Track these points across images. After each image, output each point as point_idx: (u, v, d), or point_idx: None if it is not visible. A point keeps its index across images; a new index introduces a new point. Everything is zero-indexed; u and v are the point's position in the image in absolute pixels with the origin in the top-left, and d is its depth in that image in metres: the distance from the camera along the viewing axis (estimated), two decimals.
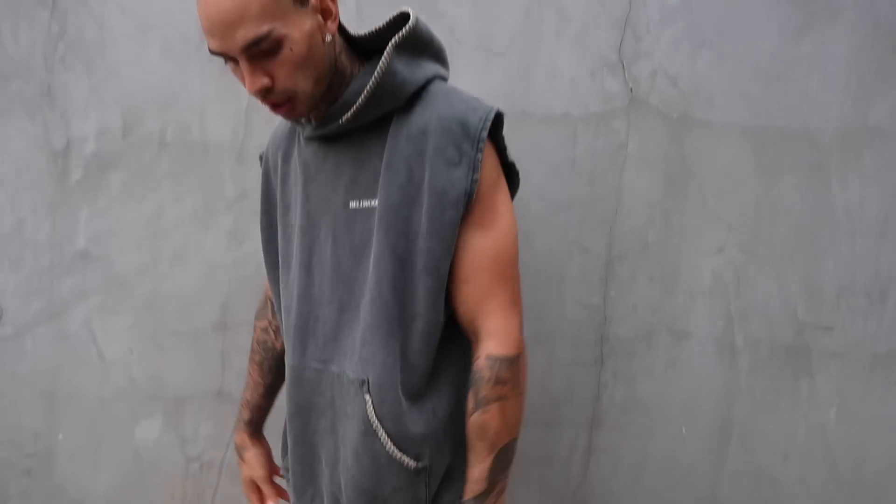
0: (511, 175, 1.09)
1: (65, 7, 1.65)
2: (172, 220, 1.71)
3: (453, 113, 0.98)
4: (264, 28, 0.87)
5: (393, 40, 0.98)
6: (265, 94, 0.94)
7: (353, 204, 1.03)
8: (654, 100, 1.61)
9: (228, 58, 0.92)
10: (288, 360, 1.13)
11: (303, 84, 0.94)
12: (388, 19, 1.04)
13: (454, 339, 1.08)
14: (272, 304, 1.33)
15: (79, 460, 1.77)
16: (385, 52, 0.97)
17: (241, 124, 1.69)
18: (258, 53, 0.89)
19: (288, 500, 1.28)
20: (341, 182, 1.04)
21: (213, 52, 0.91)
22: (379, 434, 1.01)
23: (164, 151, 1.69)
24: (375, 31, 1.06)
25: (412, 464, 1.02)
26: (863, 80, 1.59)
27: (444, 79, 1.09)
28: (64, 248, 1.72)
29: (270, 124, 1.67)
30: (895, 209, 1.61)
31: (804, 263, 1.60)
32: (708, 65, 1.60)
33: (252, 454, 1.34)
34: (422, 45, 1.04)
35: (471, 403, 1.02)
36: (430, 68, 1.04)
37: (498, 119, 1.02)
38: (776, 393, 1.62)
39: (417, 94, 1.02)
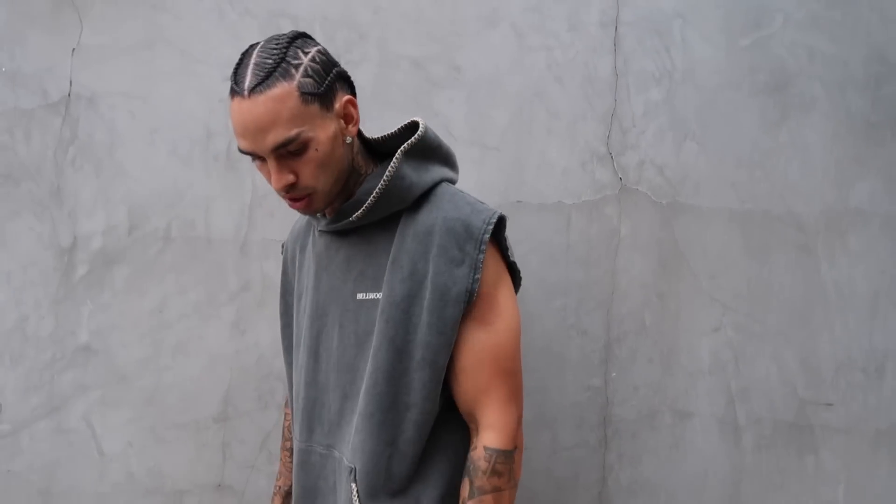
0: (513, 273, 1.13)
1: (77, 114, 1.73)
2: (175, 313, 1.73)
3: (458, 215, 1.04)
4: (293, 132, 0.94)
5: (402, 147, 1.06)
6: (288, 190, 1.00)
7: (360, 295, 1.08)
8: (643, 188, 1.68)
9: (256, 156, 0.99)
10: (296, 444, 1.16)
11: (323, 182, 1.01)
12: (400, 126, 1.12)
13: (448, 425, 1.10)
14: None
15: None
16: (394, 158, 1.05)
17: (244, 218, 1.74)
18: (285, 154, 0.97)
19: None
20: (351, 274, 1.10)
21: (242, 152, 0.98)
22: None
23: (168, 246, 1.73)
24: (389, 135, 1.13)
25: None
26: (841, 165, 1.68)
27: (452, 181, 1.15)
28: (66, 342, 1.73)
29: (273, 217, 1.73)
30: (884, 287, 1.66)
31: (800, 340, 1.63)
32: (692, 154, 1.68)
33: None
34: (429, 151, 1.11)
35: (465, 491, 1.03)
36: (437, 172, 1.11)
37: (500, 222, 1.07)
38: (782, 471, 1.62)
39: (425, 196, 1.08)
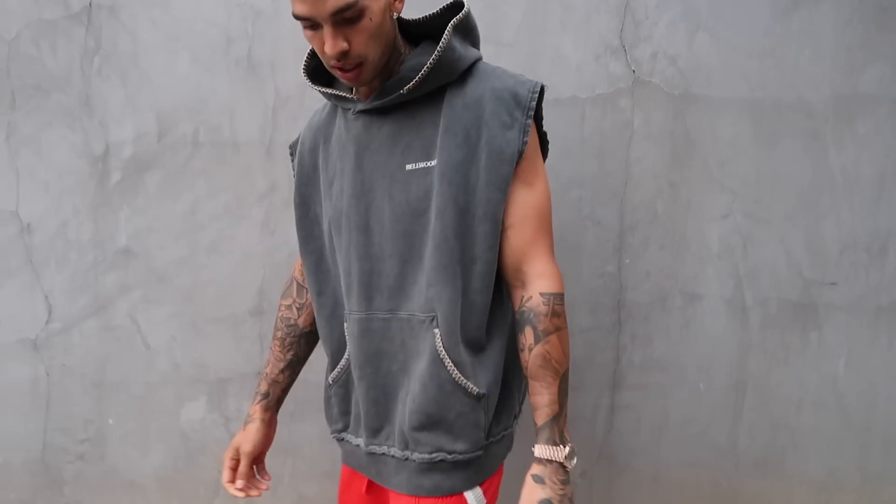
0: (543, 143, 1.22)
1: (99, 23, 1.77)
2: (207, 215, 1.81)
3: (505, 85, 1.12)
4: None
5: (453, 21, 1.11)
6: (340, 57, 1.05)
7: (409, 166, 1.14)
8: (657, 79, 1.71)
9: (311, 23, 1.03)
10: (353, 316, 1.22)
11: (373, 51, 1.07)
12: (442, 7, 1.17)
13: (500, 291, 1.20)
14: (297, 284, 1.43)
15: (129, 443, 1.87)
16: (446, 30, 1.10)
17: (268, 122, 1.79)
18: (341, 20, 1.01)
19: (258, 493, 1.37)
20: (398, 148, 1.15)
21: (298, 17, 1.02)
22: (446, 363, 1.13)
23: (197, 151, 1.80)
24: (429, 16, 1.18)
25: (475, 390, 1.13)
26: (850, 52, 1.70)
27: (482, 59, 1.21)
28: (106, 246, 1.83)
29: (296, 122, 1.78)
30: (890, 170, 1.71)
31: (806, 224, 1.70)
32: (704, 45, 1.70)
33: (254, 427, 1.39)
34: (469, 31, 1.17)
35: (529, 338, 1.11)
36: (475, 51, 1.18)
37: (542, 91, 1.15)
38: (787, 347, 1.72)
39: (468, 70, 1.15)
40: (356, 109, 1.19)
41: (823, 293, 1.71)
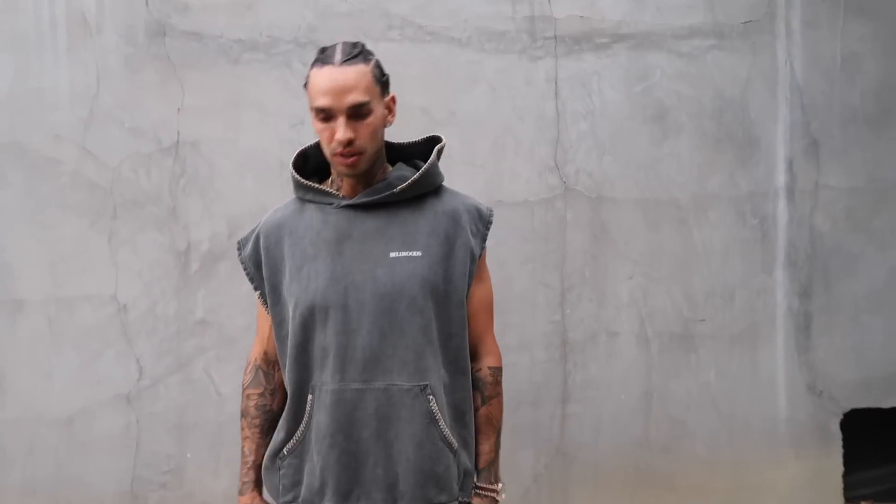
0: None
1: (184, 154, 2.42)
2: None
3: (473, 204, 1.42)
4: (366, 98, 1.24)
5: (438, 146, 1.39)
6: (347, 145, 1.24)
7: (393, 254, 1.31)
8: (580, 187, 2.55)
9: (327, 115, 1.24)
10: (325, 387, 1.31)
11: (371, 146, 1.28)
12: (422, 137, 1.45)
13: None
14: (262, 371, 1.47)
15: (203, 471, 2.42)
16: (435, 150, 1.38)
17: None
18: (353, 115, 1.23)
19: None
20: (382, 239, 1.32)
21: (319, 108, 1.24)
22: (440, 423, 1.31)
23: None
24: (410, 143, 1.45)
25: (455, 443, 1.34)
26: (700, 167, 2.60)
27: None
28: (187, 319, 2.43)
29: None
30: (732, 244, 2.59)
31: (682, 281, 2.55)
32: (609, 164, 2.56)
33: None
34: (439, 158, 1.41)
35: (478, 401, 1.41)
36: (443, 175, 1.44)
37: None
38: (677, 365, 2.54)
39: (440, 187, 1.40)
40: (340, 204, 1.34)
41: (697, 327, 2.55)
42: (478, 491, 1.38)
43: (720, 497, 2.55)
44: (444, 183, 1.42)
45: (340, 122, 1.23)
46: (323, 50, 1.29)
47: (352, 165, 1.28)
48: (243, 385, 1.49)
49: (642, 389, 2.54)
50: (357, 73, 1.23)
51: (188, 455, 2.43)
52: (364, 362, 1.29)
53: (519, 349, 2.45)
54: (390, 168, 1.39)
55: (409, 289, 1.30)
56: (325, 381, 1.32)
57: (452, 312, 1.35)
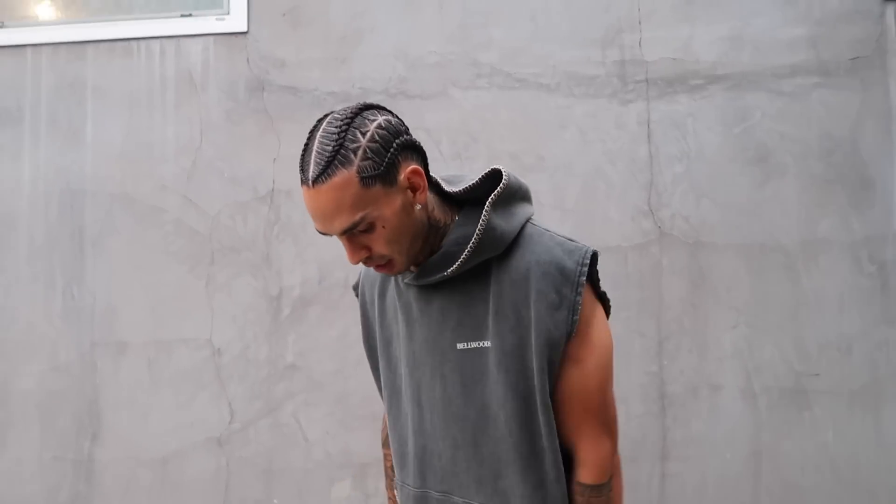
0: (604, 301, 1.15)
1: (279, 202, 2.50)
2: (355, 338, 2.46)
3: (551, 258, 1.06)
4: (357, 216, 0.97)
5: (490, 199, 1.06)
6: (366, 261, 1.04)
7: (460, 345, 1.09)
8: (676, 232, 2.44)
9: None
10: (408, 486, 1.19)
11: (397, 250, 1.03)
12: (480, 176, 1.12)
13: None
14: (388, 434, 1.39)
15: None
16: (484, 210, 1.05)
17: None
18: (356, 233, 1.00)
19: None
20: (448, 324, 1.10)
21: (319, 233, 1.02)
22: None
23: (347, 290, 2.48)
24: (469, 187, 1.12)
25: None
26: (809, 209, 2.44)
27: (532, 215, 1.15)
28: (277, 362, 2.46)
29: None
30: (846, 292, 2.40)
31: (793, 331, 2.37)
32: (707, 208, 2.45)
33: None
34: (512, 195, 1.11)
35: None
36: (522, 213, 1.11)
37: (594, 259, 1.08)
38: (789, 423, 2.34)
39: (514, 239, 1.09)
40: (405, 280, 1.14)
41: (811, 382, 2.35)
42: None
43: None
44: (528, 223, 1.12)
45: (345, 244, 1.02)
46: (305, 143, 1.00)
47: (388, 272, 1.08)
48: (382, 440, 1.42)
49: (750, 449, 2.34)
50: (335, 191, 0.95)
51: (274, 501, 2.42)
52: (442, 471, 1.14)
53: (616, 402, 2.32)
54: (451, 224, 1.12)
55: (479, 391, 1.09)
56: (406, 481, 1.20)
57: (539, 418, 1.08)
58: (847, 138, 2.46)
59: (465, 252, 1.05)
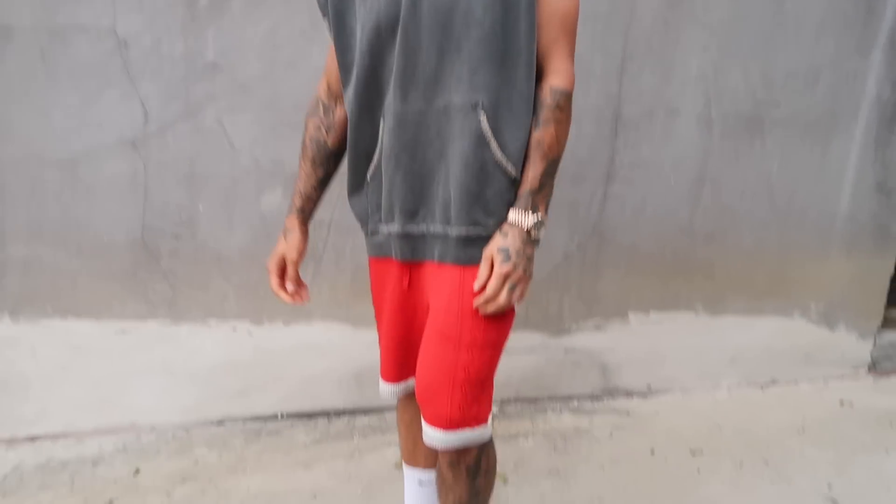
0: None
1: None
2: (285, 36, 2.15)
3: None
4: None
5: None
6: None
7: None
8: None
9: None
10: (389, 109, 1.29)
11: None
12: None
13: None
14: (323, 104, 1.49)
15: (216, 224, 2.30)
16: None
17: None
18: None
19: (304, 298, 1.51)
20: None
21: None
22: (490, 144, 1.21)
23: None
24: None
25: (512, 171, 1.23)
26: None
27: None
28: (196, 60, 2.15)
29: None
30: (829, 17, 2.21)
31: (764, 56, 2.21)
32: None
33: (295, 237, 1.50)
34: None
35: (532, 124, 1.24)
36: None
37: None
38: (738, 151, 2.29)
39: None
40: None
41: (769, 110, 2.26)
42: (510, 220, 1.24)
43: (758, 288, 2.44)
44: None
45: None
46: None
47: None
48: (305, 116, 1.51)
49: (696, 174, 2.31)
50: None
51: (200, 208, 2.29)
52: (425, 83, 1.23)
53: None
54: None
55: (466, 2, 1.18)
56: (388, 102, 1.28)
57: (519, 25, 1.20)
58: None
59: None
